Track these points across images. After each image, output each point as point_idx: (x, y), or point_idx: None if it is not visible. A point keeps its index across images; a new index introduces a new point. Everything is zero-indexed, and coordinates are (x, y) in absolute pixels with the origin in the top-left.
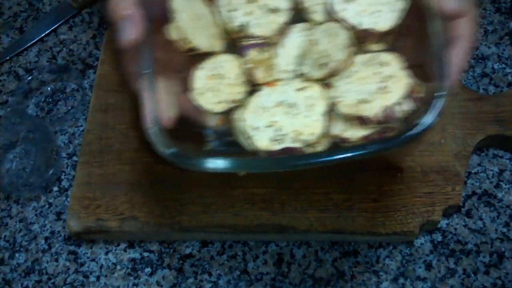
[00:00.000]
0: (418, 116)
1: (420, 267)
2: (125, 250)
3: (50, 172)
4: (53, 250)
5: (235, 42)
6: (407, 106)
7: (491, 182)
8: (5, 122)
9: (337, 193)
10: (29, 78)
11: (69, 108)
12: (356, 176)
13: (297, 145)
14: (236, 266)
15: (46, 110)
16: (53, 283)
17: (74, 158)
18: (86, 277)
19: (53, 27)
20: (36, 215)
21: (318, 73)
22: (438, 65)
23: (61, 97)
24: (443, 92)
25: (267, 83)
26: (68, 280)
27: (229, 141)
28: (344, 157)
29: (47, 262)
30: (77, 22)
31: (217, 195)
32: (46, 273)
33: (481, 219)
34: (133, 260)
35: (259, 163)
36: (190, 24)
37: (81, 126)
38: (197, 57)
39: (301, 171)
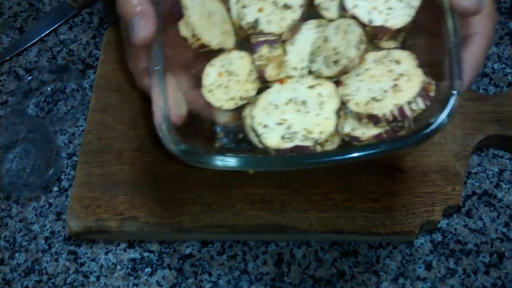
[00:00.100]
0: (430, 115)
1: (420, 267)
2: (125, 250)
3: (50, 172)
4: (53, 250)
5: (246, 39)
6: (419, 105)
7: (491, 182)
8: (5, 122)
9: (337, 193)
10: (29, 78)
11: (69, 108)
12: (356, 176)
13: (307, 143)
14: (236, 266)
15: (46, 110)
16: (53, 283)
17: (74, 158)
18: (86, 277)
19: (53, 27)
20: (36, 215)
21: (329, 71)
22: (451, 63)
23: (61, 97)
24: (456, 92)
25: (278, 80)
26: (68, 280)
27: (239, 138)
28: (357, 156)
29: (47, 262)
30: (77, 22)
31: (217, 195)
32: (46, 273)
33: (481, 219)
34: (133, 260)
35: (269, 161)
36: (201, 21)
37: (81, 126)
38: (207, 54)
39: (301, 171)
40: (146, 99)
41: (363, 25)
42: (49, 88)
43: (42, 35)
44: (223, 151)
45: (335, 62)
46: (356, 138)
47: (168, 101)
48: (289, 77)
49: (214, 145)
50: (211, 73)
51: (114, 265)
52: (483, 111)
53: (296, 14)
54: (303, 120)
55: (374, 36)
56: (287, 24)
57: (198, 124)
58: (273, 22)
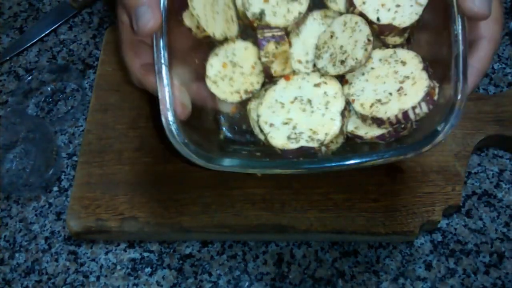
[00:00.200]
0: (435, 120)
1: (420, 267)
2: (125, 250)
3: (50, 172)
4: (53, 250)
5: (250, 26)
6: (423, 110)
7: (491, 182)
8: (5, 122)
9: (337, 193)
10: (29, 78)
11: (69, 108)
12: (356, 176)
13: (312, 145)
14: (236, 266)
15: (46, 110)
16: (53, 283)
17: (74, 158)
18: (86, 277)
19: (53, 27)
20: (36, 215)
21: (335, 70)
22: (458, 67)
23: (61, 97)
24: (462, 97)
25: (284, 76)
26: (68, 280)
27: (243, 129)
28: (364, 162)
29: (47, 262)
30: (77, 22)
31: (217, 195)
32: (46, 273)
33: (481, 219)
34: (133, 260)
35: (277, 164)
36: (205, 10)
37: (81, 126)
38: (211, 45)
39: None
40: (146, 99)
41: (370, 22)
42: (49, 88)
43: (42, 35)
44: (227, 143)
45: (342, 62)
46: (359, 137)
47: (173, 94)
48: (295, 73)
49: (218, 137)
50: (215, 64)
51: (114, 265)
52: (483, 111)
53: (302, 7)
54: (309, 120)
55: (380, 33)
56: (293, 17)
57: (202, 116)
58: (279, 14)
